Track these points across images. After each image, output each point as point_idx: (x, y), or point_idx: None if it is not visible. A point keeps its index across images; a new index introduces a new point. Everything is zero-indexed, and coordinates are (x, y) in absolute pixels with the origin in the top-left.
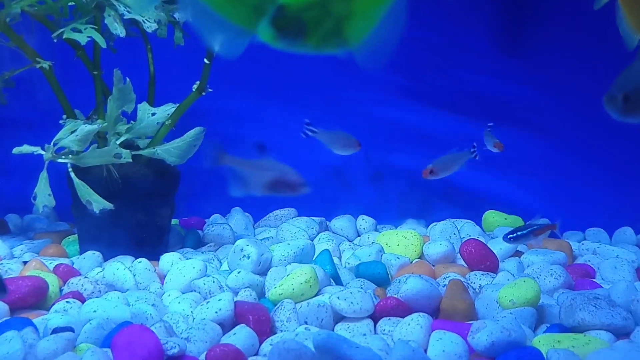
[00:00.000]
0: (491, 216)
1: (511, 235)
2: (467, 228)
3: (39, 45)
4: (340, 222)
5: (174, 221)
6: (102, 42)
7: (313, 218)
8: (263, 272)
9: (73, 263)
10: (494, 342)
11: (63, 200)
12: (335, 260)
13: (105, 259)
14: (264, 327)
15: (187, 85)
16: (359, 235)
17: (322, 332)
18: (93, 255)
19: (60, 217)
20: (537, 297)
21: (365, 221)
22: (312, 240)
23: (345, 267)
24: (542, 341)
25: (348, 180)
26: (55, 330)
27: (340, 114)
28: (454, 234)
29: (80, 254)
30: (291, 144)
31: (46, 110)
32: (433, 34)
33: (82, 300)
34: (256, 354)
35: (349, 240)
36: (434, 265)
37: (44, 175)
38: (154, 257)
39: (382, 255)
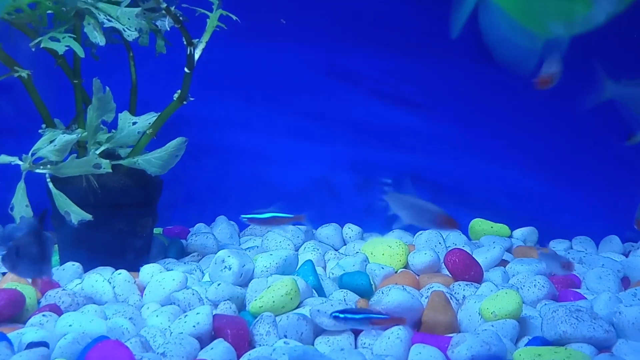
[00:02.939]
0: (478, 224)
1: (337, 314)
2: (452, 237)
3: (23, 53)
4: (326, 231)
5: (157, 230)
6: (80, 51)
7: (299, 227)
8: (245, 284)
9: (52, 274)
10: (474, 356)
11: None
12: (320, 270)
13: (86, 270)
14: (243, 342)
15: (169, 94)
16: (345, 244)
17: (298, 347)
18: (73, 267)
19: (43, 227)
20: (519, 309)
21: (351, 230)
22: (298, 250)
23: (329, 277)
24: (523, 355)
25: (335, 188)
26: (30, 346)
27: (327, 122)
28: (440, 243)
29: (60, 265)
30: (277, 152)
31: (29, 118)
32: (419, 35)
33: (59, 314)
34: None
35: (335, 249)
36: (418, 275)
37: (21, 186)
38: (136, 267)
39: (366, 265)
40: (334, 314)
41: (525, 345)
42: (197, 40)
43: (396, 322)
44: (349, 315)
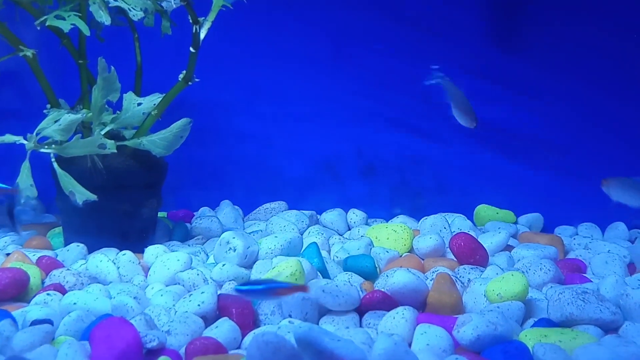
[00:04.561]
0: (483, 210)
1: (240, 287)
2: (458, 222)
3: (29, 34)
4: (331, 216)
5: (162, 214)
6: (85, 29)
7: (303, 211)
8: (249, 265)
9: (57, 255)
10: (480, 336)
11: (50, 192)
12: (324, 253)
13: (90, 251)
14: (247, 321)
15: (175, 76)
16: (349, 229)
17: (304, 325)
18: (77, 248)
19: (48, 208)
20: (525, 291)
21: (355, 215)
22: (302, 234)
23: (334, 260)
24: (529, 335)
25: (339, 173)
26: (34, 323)
27: (332, 107)
28: (445, 227)
29: (65, 246)
30: (282, 136)
31: (35, 100)
32: (426, 31)
33: (64, 293)
34: (238, 347)
35: (339, 234)
36: (423, 259)
37: (26, 165)
38: (140, 249)
39: (371, 249)
40: (236, 288)
41: (531, 326)
42: (203, 19)
43: (299, 290)
44: (251, 287)
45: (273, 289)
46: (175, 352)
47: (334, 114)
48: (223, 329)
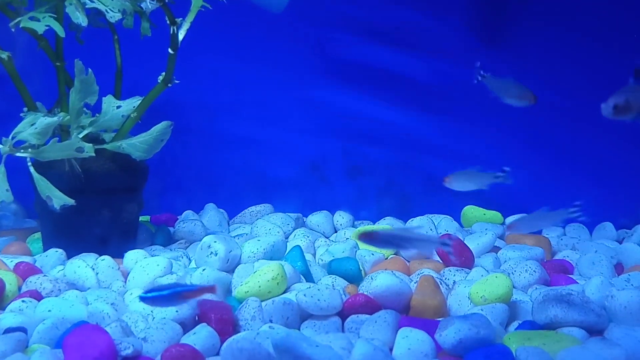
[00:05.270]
0: (470, 211)
1: (144, 295)
2: (444, 223)
3: (4, 36)
4: (317, 218)
5: (144, 218)
6: (60, 31)
7: (289, 214)
8: (232, 269)
9: (35, 261)
10: (462, 339)
11: (32, 196)
12: (309, 256)
13: (70, 257)
14: (227, 327)
15: (157, 78)
16: (335, 232)
17: (282, 330)
18: (56, 253)
19: (29, 213)
20: (508, 293)
21: (342, 217)
22: (288, 237)
23: (318, 263)
24: (513, 339)
25: (325, 175)
26: (7, 331)
27: (317, 109)
28: (431, 229)
29: (44, 252)
30: (267, 138)
31: (12, 102)
32: (411, 27)
33: (40, 300)
34: (217, 354)
35: (326, 237)
36: (408, 262)
37: (1, 170)
38: (121, 254)
39: (356, 252)
40: (140, 296)
41: (515, 329)
42: (181, 19)
43: (207, 291)
44: (155, 294)
45: (179, 292)
46: (151, 359)
47: (319, 114)
48: (201, 336)
